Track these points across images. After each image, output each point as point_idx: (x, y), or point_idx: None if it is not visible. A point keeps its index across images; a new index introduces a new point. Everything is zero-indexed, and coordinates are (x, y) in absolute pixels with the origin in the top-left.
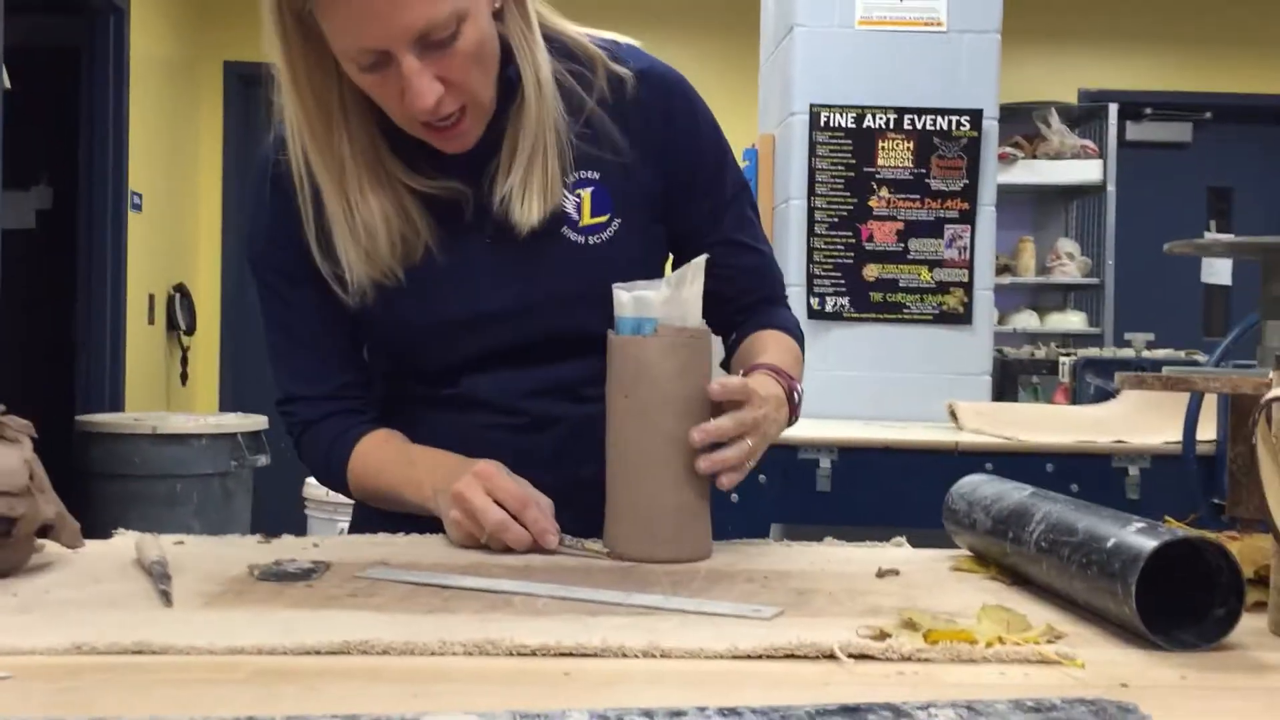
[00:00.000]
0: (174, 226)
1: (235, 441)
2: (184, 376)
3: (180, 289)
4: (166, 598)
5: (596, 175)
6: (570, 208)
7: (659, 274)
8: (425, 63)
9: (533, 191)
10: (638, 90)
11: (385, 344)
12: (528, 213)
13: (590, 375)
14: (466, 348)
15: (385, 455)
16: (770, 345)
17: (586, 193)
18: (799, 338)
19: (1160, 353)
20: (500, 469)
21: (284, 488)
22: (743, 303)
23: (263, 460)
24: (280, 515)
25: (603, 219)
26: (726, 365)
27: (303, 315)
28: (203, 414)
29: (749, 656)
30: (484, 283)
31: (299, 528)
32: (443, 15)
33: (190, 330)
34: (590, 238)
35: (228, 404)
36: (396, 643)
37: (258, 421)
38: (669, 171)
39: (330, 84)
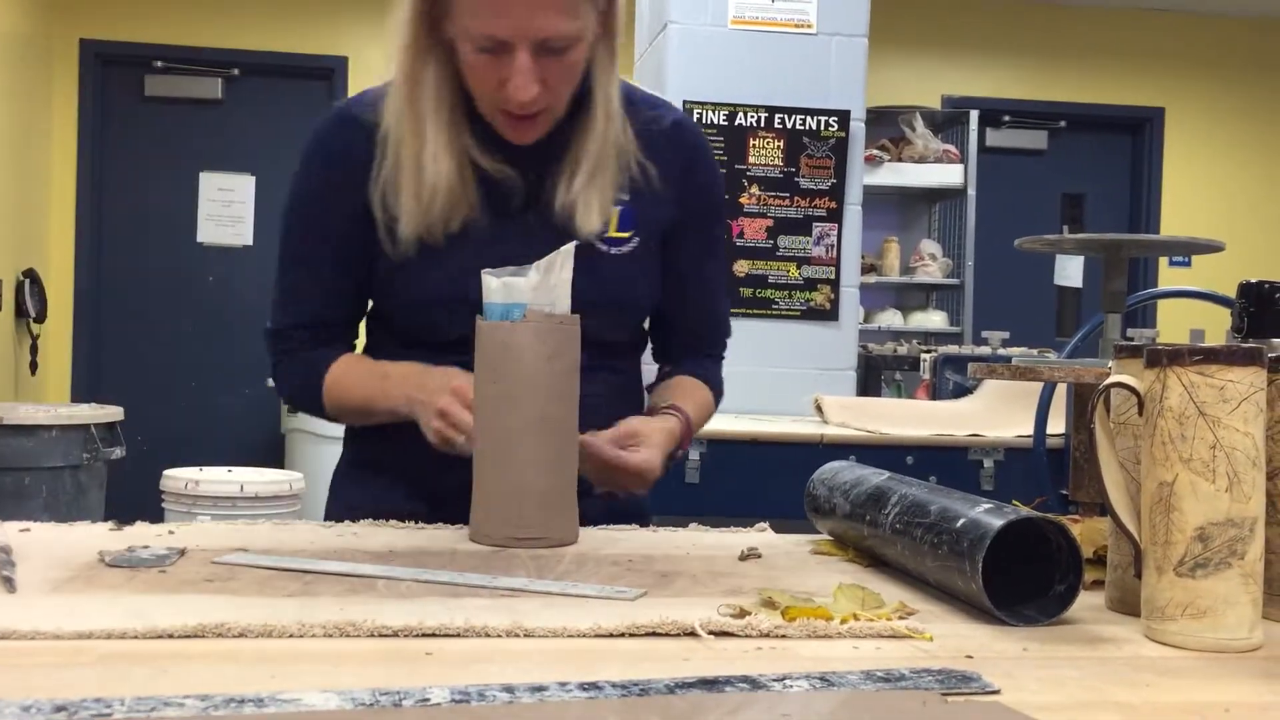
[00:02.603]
0: (24, 210)
1: (88, 433)
2: (34, 365)
3: (30, 275)
4: (9, 584)
5: (626, 196)
6: None
7: (660, 297)
8: (534, 63)
9: (593, 202)
10: (670, 133)
11: (405, 307)
12: (588, 221)
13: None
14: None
15: (359, 370)
16: (691, 392)
17: (616, 210)
18: (719, 393)
19: (1015, 350)
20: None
21: (140, 481)
22: (688, 342)
23: (118, 453)
24: (137, 510)
25: (626, 234)
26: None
27: (328, 259)
28: (53, 404)
29: (611, 635)
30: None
31: (156, 522)
32: (568, 31)
33: (40, 318)
34: (613, 249)
35: (80, 394)
36: (254, 625)
37: (112, 412)
38: (683, 210)
39: (427, 58)
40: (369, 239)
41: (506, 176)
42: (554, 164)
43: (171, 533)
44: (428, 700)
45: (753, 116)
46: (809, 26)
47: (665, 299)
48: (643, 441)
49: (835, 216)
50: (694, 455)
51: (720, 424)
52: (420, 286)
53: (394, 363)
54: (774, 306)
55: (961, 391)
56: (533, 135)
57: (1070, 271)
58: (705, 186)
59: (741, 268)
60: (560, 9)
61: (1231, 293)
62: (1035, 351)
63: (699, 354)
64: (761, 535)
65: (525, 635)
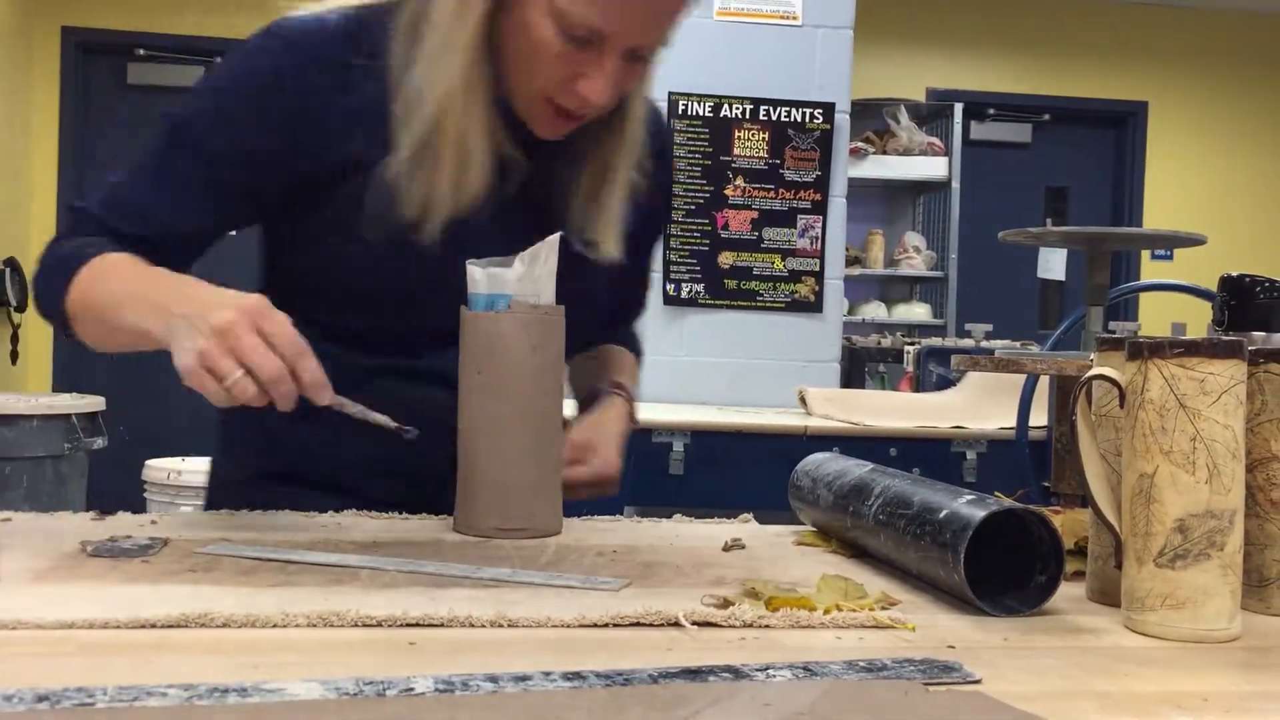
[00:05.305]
0: (4, 199)
1: (69, 423)
2: (14, 355)
3: (11, 264)
4: None
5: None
6: None
7: (618, 293)
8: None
9: (616, 230)
10: (651, 120)
11: (373, 292)
12: (609, 251)
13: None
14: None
15: (123, 266)
16: (620, 361)
17: None
18: (640, 352)
19: (998, 343)
20: (270, 306)
21: (122, 471)
22: (620, 317)
23: (99, 443)
24: (118, 500)
25: None
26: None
27: (217, 182)
28: (34, 394)
29: (595, 625)
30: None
31: (138, 512)
32: (662, 42)
33: (22, 307)
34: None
35: (61, 384)
36: (237, 615)
37: (94, 402)
38: (649, 208)
39: (483, 30)
40: (269, 187)
41: (517, 166)
42: (564, 160)
43: (154, 522)
44: (412, 690)
45: (738, 108)
46: (794, 19)
47: None
48: (598, 449)
49: (820, 209)
50: (678, 447)
51: (704, 415)
52: (409, 272)
53: (177, 275)
54: (758, 298)
55: (945, 384)
56: (566, 131)
57: (1053, 264)
58: (670, 170)
59: (726, 260)
60: (670, 20)
61: (1213, 286)
62: (1018, 344)
63: (625, 323)
64: (745, 526)
65: (509, 625)
